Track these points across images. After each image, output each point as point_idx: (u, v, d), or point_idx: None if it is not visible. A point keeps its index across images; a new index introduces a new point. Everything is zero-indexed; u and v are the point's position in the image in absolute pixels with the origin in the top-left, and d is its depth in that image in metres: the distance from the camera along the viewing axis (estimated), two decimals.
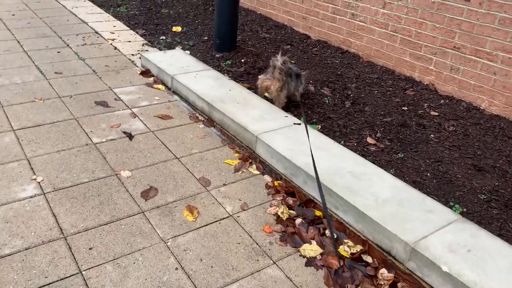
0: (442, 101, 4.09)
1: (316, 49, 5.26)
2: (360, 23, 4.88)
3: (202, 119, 3.71)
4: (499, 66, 3.74)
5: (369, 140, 3.48)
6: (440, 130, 3.63)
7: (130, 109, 3.76)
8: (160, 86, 4.21)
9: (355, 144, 3.41)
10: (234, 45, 5.10)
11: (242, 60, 4.87)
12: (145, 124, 3.55)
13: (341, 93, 4.21)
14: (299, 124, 3.34)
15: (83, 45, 5.09)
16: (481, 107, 3.95)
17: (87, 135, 3.33)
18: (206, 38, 5.53)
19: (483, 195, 2.88)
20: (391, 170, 3.11)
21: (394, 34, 4.54)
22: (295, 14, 5.74)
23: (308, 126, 3.37)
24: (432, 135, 3.55)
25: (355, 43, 5.01)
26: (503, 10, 3.61)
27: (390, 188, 2.61)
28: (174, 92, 4.12)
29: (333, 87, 4.33)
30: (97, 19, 5.98)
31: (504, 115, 3.81)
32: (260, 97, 3.80)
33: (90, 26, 5.70)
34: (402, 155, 3.30)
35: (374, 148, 3.37)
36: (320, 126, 3.61)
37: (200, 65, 4.40)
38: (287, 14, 5.89)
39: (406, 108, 3.97)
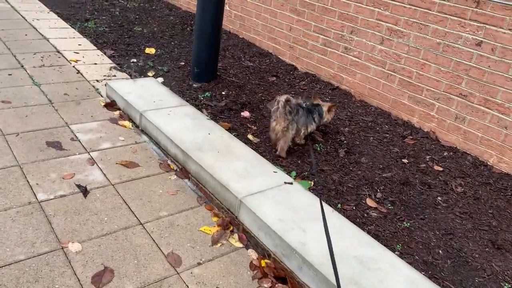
0: (445, 153, 3.67)
1: (304, 82, 4.79)
2: (354, 58, 4.45)
3: (175, 169, 3.15)
4: (511, 119, 3.35)
5: (369, 202, 3.00)
6: (447, 191, 3.19)
7: (88, 153, 3.16)
8: (127, 123, 3.62)
9: (354, 207, 2.92)
10: (214, 75, 4.57)
11: (223, 93, 4.35)
12: (104, 175, 2.95)
13: (333, 139, 3.73)
14: (291, 183, 2.82)
15: (40, 66, 4.45)
16: (488, 163, 3.55)
17: (32, 189, 2.70)
18: (183, 63, 4.98)
19: (507, 284, 2.43)
20: (398, 246, 2.62)
21: (392, 73, 4.12)
22: (281, 42, 5.27)
23: (299, 184, 2.86)
24: (439, 198, 3.11)
25: (347, 79, 4.57)
26: None
27: (406, 283, 2.11)
28: (143, 131, 3.54)
29: (324, 130, 3.85)
30: (60, 35, 5.33)
31: None
32: (242, 142, 3.28)
33: (51, 43, 5.06)
34: (408, 224, 2.83)
35: (375, 214, 2.89)
36: (312, 183, 3.10)
37: (175, 99, 3.84)
38: (272, 41, 5.42)
39: (407, 161, 3.52)
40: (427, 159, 3.57)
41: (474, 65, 3.49)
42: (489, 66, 3.41)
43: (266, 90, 4.52)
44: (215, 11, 4.24)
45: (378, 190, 3.14)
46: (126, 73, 4.62)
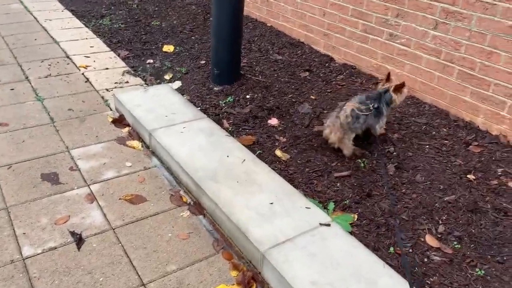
0: None
1: (341, 77, 4.13)
2: (401, 47, 3.73)
3: (188, 202, 2.64)
4: None
5: (429, 240, 2.38)
6: None
7: (88, 186, 2.71)
8: (136, 144, 3.14)
9: (411, 250, 2.31)
10: (237, 75, 4.00)
11: (248, 96, 3.77)
12: (104, 215, 2.49)
13: (379, 149, 3.09)
14: (328, 225, 2.24)
15: (46, 76, 4.04)
16: None
17: (17, 240, 2.28)
18: (204, 62, 4.44)
19: None
20: None
21: (450, 64, 3.39)
22: (314, 30, 4.60)
23: (338, 222, 2.27)
24: None
25: (394, 71, 3.86)
26: None
27: None
28: (153, 153, 3.05)
29: (368, 137, 3.21)
30: (72, 37, 4.91)
31: None
32: (266, 166, 2.71)
33: (61, 48, 4.64)
34: (483, 271, 2.19)
35: (438, 257, 2.27)
36: (356, 216, 2.51)
37: (190, 110, 3.31)
38: (304, 29, 4.75)
39: (474, 177, 2.84)
40: (499, 173, 2.87)
41: None
42: None
43: (297, 90, 3.91)
44: (234, 2, 3.63)
45: (440, 221, 2.50)
46: (141, 77, 4.14)
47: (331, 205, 2.51)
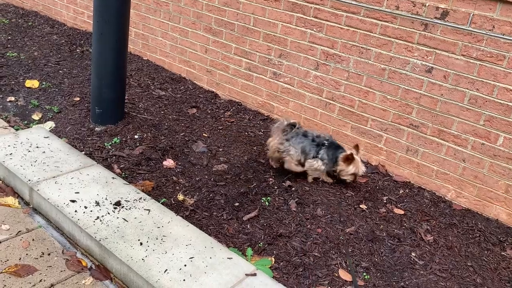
0: (401, 191, 3.31)
1: (229, 113, 4.15)
2: (285, 85, 3.93)
3: (89, 266, 2.31)
4: (469, 152, 3.09)
5: (342, 274, 2.48)
6: (417, 241, 2.81)
7: None
8: (11, 200, 2.65)
9: (329, 287, 2.37)
10: (121, 113, 3.71)
11: (136, 136, 3.53)
12: None
13: (279, 186, 3.16)
14: (254, 274, 2.17)
15: None
16: (447, 198, 3.26)
17: None
18: (78, 98, 4.02)
19: None
20: None
21: (331, 102, 3.67)
22: (197, 66, 4.57)
23: (262, 270, 2.23)
24: (413, 254, 2.70)
25: (279, 107, 4.03)
26: (474, 88, 2.96)
27: None
28: (36, 211, 2.61)
29: (266, 175, 3.26)
30: None
31: (475, 210, 3.16)
32: (175, 215, 2.54)
33: None
34: None
35: None
36: (273, 259, 2.49)
37: (75, 156, 2.94)
38: (185, 65, 4.68)
39: (365, 206, 3.08)
40: (385, 201, 3.17)
41: (425, 93, 3.17)
42: (442, 95, 3.10)
43: (188, 127, 3.80)
44: (118, 35, 3.39)
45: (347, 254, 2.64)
46: (2, 118, 3.55)
47: (249, 251, 2.46)
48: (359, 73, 3.45)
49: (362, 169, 3.12)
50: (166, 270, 2.08)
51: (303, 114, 3.89)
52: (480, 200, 3.12)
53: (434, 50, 3.06)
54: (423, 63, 3.13)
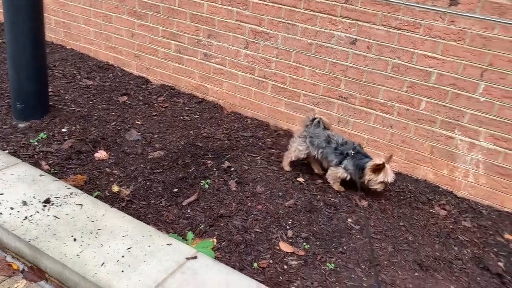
0: None
1: (162, 98, 4.06)
2: (217, 66, 3.89)
3: (21, 268, 2.20)
4: (395, 118, 3.24)
5: (283, 246, 2.54)
6: (353, 208, 2.93)
7: None
8: None
9: (271, 261, 2.42)
10: (46, 107, 3.52)
11: (64, 130, 3.36)
12: None
13: (218, 168, 3.16)
14: (195, 257, 2.17)
15: None
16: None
17: None
18: None
19: None
20: None
21: (264, 80, 3.69)
22: (124, 52, 4.40)
23: (203, 252, 2.23)
24: (349, 220, 2.82)
25: (213, 89, 4.00)
26: (396, 56, 3.08)
27: None
28: None
29: (205, 158, 3.24)
30: None
31: (405, 172, 3.34)
32: (109, 207, 2.47)
33: None
34: (333, 264, 2.45)
35: (295, 262, 2.44)
36: (215, 241, 2.50)
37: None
38: (112, 51, 4.49)
39: (303, 179, 3.16)
40: (322, 173, 3.27)
41: (351, 65, 3.27)
42: (366, 65, 3.21)
43: (120, 116, 3.68)
44: (32, 23, 3.17)
45: (287, 227, 2.70)
46: None
47: (190, 235, 2.45)
48: (287, 49, 3.49)
49: (391, 176, 2.91)
50: (103, 263, 2.03)
51: (238, 94, 3.88)
52: (409, 163, 3.29)
53: (356, 21, 3.14)
54: (347, 35, 3.21)
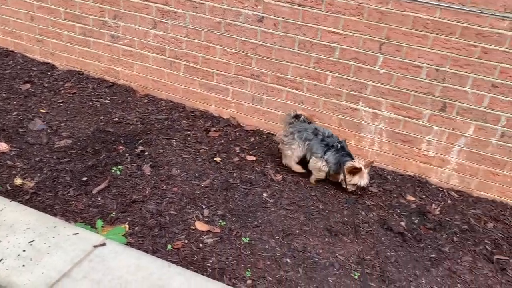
0: (252, 139, 3.47)
1: (70, 84, 3.85)
2: (126, 48, 3.75)
3: None
4: (305, 94, 3.33)
5: (199, 226, 2.56)
6: (268, 182, 3.00)
7: None
8: None
9: (186, 241, 2.43)
10: None
11: None
12: None
13: (131, 153, 3.08)
14: (104, 244, 2.11)
15: None
16: None
17: None
18: None
19: (356, 273, 2.40)
20: (248, 273, 2.29)
21: (175, 60, 3.63)
22: (25, 36, 4.10)
23: (113, 239, 2.18)
24: (265, 194, 2.89)
25: (124, 72, 3.86)
26: (301, 32, 3.16)
27: None
28: None
29: (116, 144, 3.14)
30: None
31: None
32: (14, 201, 2.33)
33: None
34: (248, 238, 2.52)
35: (211, 239, 2.47)
36: (127, 226, 2.45)
37: None
38: (11, 36, 4.16)
39: (220, 159, 3.18)
40: (238, 150, 3.30)
41: (260, 42, 3.30)
42: (275, 43, 3.26)
43: (22, 105, 3.44)
44: None
45: (204, 206, 2.71)
46: None
47: (99, 223, 2.38)
48: (197, 28, 3.44)
49: (365, 181, 2.89)
50: (1, 259, 1.92)
51: (150, 76, 3.78)
52: None
53: None
54: (254, 13, 3.22)
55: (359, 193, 2.99)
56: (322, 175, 3.00)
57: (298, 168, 3.11)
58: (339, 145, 2.93)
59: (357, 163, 2.86)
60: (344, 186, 2.93)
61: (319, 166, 2.96)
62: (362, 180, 2.88)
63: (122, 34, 3.71)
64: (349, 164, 2.86)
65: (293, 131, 3.03)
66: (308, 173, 3.07)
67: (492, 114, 2.91)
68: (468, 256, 2.60)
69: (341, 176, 2.92)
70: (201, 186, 2.87)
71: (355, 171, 2.85)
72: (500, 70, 2.78)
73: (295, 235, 2.59)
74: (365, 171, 2.87)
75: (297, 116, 3.05)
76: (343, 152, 2.93)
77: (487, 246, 2.68)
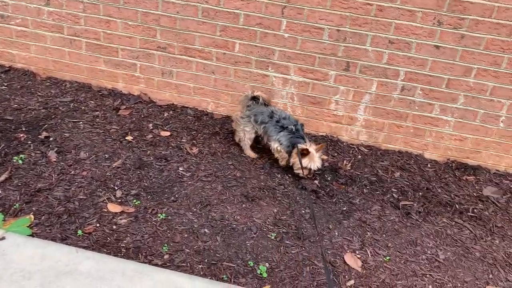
0: (166, 114, 3.39)
1: None
2: (19, 28, 3.46)
3: None
4: (215, 64, 3.29)
5: (111, 207, 2.48)
6: (184, 156, 2.97)
7: None
8: None
9: (98, 225, 2.35)
10: None
11: None
12: None
13: (35, 140, 2.89)
14: (3, 238, 1.98)
15: None
16: (208, 110, 3.48)
17: None
18: None
19: (273, 234, 2.46)
20: (165, 248, 2.27)
21: (76, 38, 3.41)
22: None
23: (14, 229, 2.06)
24: (181, 168, 2.85)
25: (20, 54, 3.57)
26: (204, 1, 3.08)
27: None
28: None
29: (17, 132, 2.93)
30: None
31: (231, 115, 3.46)
32: None
33: None
34: (164, 214, 2.48)
35: (124, 220, 2.41)
36: (32, 216, 2.31)
37: None
38: None
39: (132, 137, 3.08)
40: (151, 127, 3.22)
41: (163, 13, 3.18)
42: (177, 12, 3.16)
43: None
44: None
45: (116, 187, 2.63)
46: None
47: (0, 216, 2.22)
48: (94, 2, 3.24)
49: (317, 164, 2.79)
50: None
51: (50, 57, 3.53)
52: (235, 105, 3.40)
53: None
54: None
55: (311, 177, 2.92)
56: (284, 156, 2.92)
57: (251, 154, 3.06)
58: (293, 128, 2.87)
59: (309, 146, 2.81)
60: (297, 172, 2.87)
61: (275, 147, 2.92)
62: (313, 163, 2.79)
63: (13, 13, 3.41)
64: (299, 146, 2.80)
65: (250, 114, 2.96)
66: (261, 158, 3.06)
67: (392, 70, 3.05)
68: (377, 205, 2.76)
69: (291, 159, 2.86)
70: (112, 168, 2.77)
71: (303, 153, 2.78)
72: (395, 26, 2.91)
73: (212, 205, 2.60)
74: (314, 153, 2.79)
75: (254, 98, 2.97)
76: (297, 134, 2.88)
77: (394, 194, 2.86)
